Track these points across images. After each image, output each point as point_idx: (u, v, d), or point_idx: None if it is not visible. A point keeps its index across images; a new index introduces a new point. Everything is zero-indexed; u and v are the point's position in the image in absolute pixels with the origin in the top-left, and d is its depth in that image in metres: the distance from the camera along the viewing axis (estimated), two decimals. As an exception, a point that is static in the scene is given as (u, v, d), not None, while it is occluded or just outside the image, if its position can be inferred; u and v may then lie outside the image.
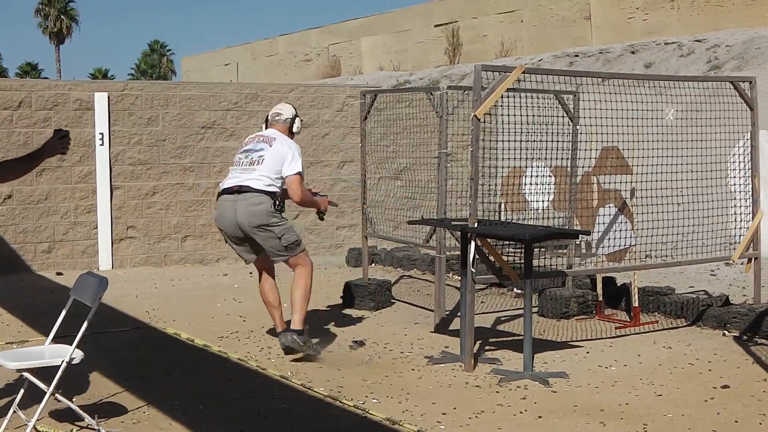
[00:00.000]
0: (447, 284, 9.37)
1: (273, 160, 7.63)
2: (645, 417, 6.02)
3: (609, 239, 8.60)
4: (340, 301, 9.97)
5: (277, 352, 7.85)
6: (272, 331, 8.51)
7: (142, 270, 12.61)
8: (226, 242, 8.00)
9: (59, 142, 5.79)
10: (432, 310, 9.16)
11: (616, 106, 8.21)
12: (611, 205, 8.65)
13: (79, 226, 12.60)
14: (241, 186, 7.60)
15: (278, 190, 7.64)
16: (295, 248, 7.70)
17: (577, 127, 9.00)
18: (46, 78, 68.72)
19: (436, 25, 24.46)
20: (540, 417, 6.06)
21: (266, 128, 8.03)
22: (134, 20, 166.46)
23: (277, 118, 7.96)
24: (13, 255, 12.24)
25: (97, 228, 12.67)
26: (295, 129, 7.98)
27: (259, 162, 7.65)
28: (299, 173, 7.68)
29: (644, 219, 8.69)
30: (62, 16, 74.36)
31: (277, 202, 7.64)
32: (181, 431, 5.81)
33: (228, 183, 7.74)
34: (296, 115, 8.01)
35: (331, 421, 6.00)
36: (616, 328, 8.81)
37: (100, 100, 12.63)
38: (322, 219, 8.47)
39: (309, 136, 13.97)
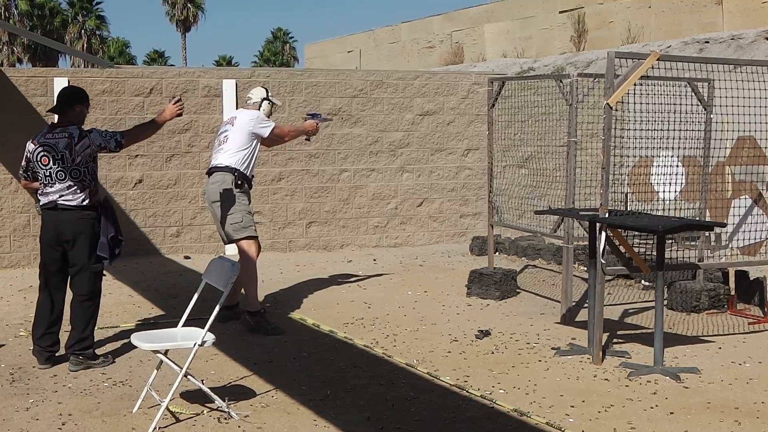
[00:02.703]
0: (573, 275, 9.24)
1: (235, 133, 8.32)
2: (782, 416, 5.83)
3: (743, 231, 8.35)
4: (465, 289, 9.92)
5: (402, 339, 7.86)
6: (397, 319, 8.53)
7: (268, 255, 12.75)
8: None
9: (174, 107, 7.05)
10: (558, 301, 9.05)
11: (750, 94, 7.96)
12: (746, 196, 8.40)
13: (207, 211, 12.79)
14: (210, 168, 8.40)
15: (244, 163, 8.26)
16: (239, 230, 8.19)
17: (711, 115, 8.75)
18: (172, 65, 70.22)
19: (561, 12, 24.10)
20: (672, 413, 5.92)
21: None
22: (258, 8, 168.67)
23: (246, 101, 8.69)
24: (143, 238, 12.53)
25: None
26: (262, 112, 8.54)
27: (224, 141, 8.37)
28: (274, 127, 8.43)
29: (781, 211, 8.41)
30: (189, 4, 75.70)
31: (238, 180, 8.21)
32: (308, 416, 5.85)
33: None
34: (266, 98, 8.61)
35: (458, 411, 5.97)
36: (749, 323, 8.56)
37: (228, 86, 12.82)
38: (308, 140, 9.20)
39: (434, 123, 13.94)
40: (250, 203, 8.44)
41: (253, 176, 8.51)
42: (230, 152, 8.30)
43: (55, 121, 7.07)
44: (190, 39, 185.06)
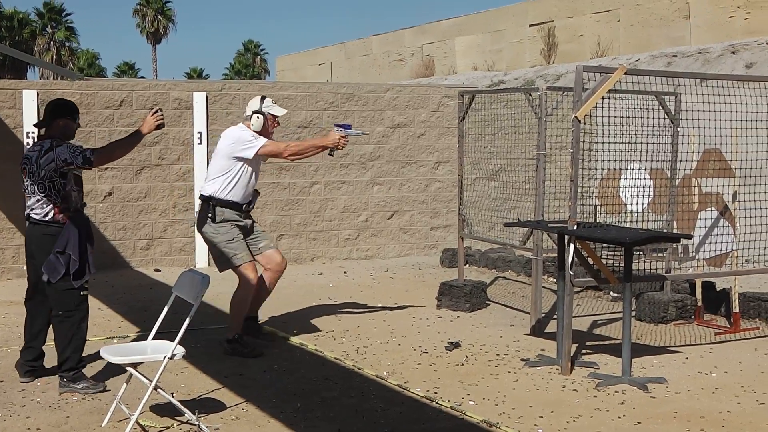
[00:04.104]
0: (543, 286, 9.30)
1: (215, 158, 7.87)
2: (747, 426, 5.90)
3: (709, 243, 8.45)
4: (436, 302, 9.96)
5: (373, 351, 7.89)
6: (367, 331, 8.56)
7: (238, 267, 12.74)
8: None
9: (153, 118, 6.85)
10: (527, 312, 9.11)
11: (717, 107, 8.06)
12: (712, 208, 8.49)
13: (177, 224, 12.81)
14: (200, 194, 8.01)
15: (224, 189, 7.73)
16: (225, 263, 7.82)
17: (678, 129, 8.86)
18: (143, 77, 70.06)
19: (531, 25, 24.25)
20: (639, 423, 5.98)
21: None
22: (229, 20, 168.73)
23: (244, 114, 8.05)
24: (113, 251, 12.49)
25: (194, 226, 12.84)
26: (252, 127, 7.87)
27: (211, 164, 8.00)
28: (261, 146, 7.73)
29: (746, 223, 8.51)
30: (159, 16, 75.65)
31: (209, 213, 7.76)
32: (279, 429, 5.86)
33: None
34: (257, 111, 7.85)
35: (428, 423, 5.99)
36: (715, 333, 8.65)
37: (199, 99, 12.82)
38: (331, 155, 8.15)
39: (405, 136, 14.00)
40: (239, 227, 7.82)
41: (246, 202, 7.84)
42: (209, 178, 7.85)
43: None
44: (161, 51, 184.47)
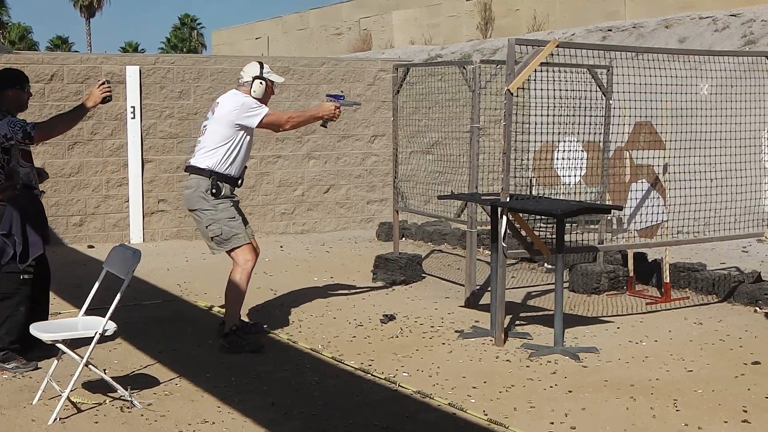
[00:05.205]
0: (478, 259, 9.36)
1: (215, 125, 7.15)
2: (675, 392, 6.00)
3: (641, 215, 8.56)
4: (371, 275, 9.98)
5: (308, 325, 7.89)
6: (303, 305, 8.56)
7: (174, 243, 12.67)
8: None
9: (99, 90, 6.49)
10: (462, 285, 9.16)
11: (649, 81, 8.15)
12: (644, 180, 8.60)
13: (111, 200, 12.67)
14: (186, 166, 7.29)
15: (224, 162, 7.09)
16: (223, 243, 7.14)
17: (610, 101, 8.94)
18: (77, 52, 68.98)
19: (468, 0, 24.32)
20: (570, 391, 6.06)
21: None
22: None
23: (239, 80, 7.34)
24: (46, 227, 12.31)
25: (128, 201, 12.73)
26: (253, 93, 7.22)
27: (203, 134, 7.25)
28: (265, 114, 7.15)
29: (677, 195, 8.63)
30: (93, -11, 74.48)
31: (213, 188, 7.08)
32: (213, 403, 5.85)
33: None
34: (259, 77, 7.21)
35: (362, 395, 6.02)
36: (647, 303, 8.78)
37: (132, 73, 12.66)
38: (324, 126, 7.61)
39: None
40: (234, 203, 7.25)
41: (240, 176, 7.28)
42: (207, 149, 7.11)
43: None
44: (95, 25, 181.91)
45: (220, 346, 7.12)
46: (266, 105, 7.29)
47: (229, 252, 7.19)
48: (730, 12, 18.05)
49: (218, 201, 7.09)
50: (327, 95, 7.66)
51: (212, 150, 7.10)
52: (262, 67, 7.26)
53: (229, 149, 7.10)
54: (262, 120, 7.13)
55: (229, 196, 7.17)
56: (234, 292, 7.19)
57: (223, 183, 7.11)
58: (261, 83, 7.20)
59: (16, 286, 6.53)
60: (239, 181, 7.27)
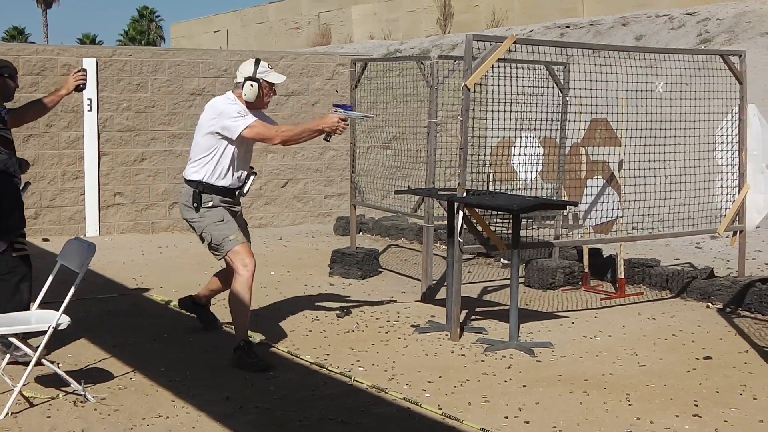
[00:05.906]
0: (435, 254, 9.39)
1: (197, 135, 6.70)
2: (628, 387, 6.07)
3: (596, 211, 8.63)
4: (328, 269, 9.98)
5: (264, 319, 7.88)
6: (258, 299, 8.53)
7: (130, 237, 12.59)
8: None
9: (74, 78, 6.63)
10: (419, 280, 9.19)
11: (606, 78, 8.21)
12: (599, 176, 8.67)
13: (67, 192, 12.56)
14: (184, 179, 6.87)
15: (212, 172, 6.61)
16: (219, 249, 6.66)
17: (567, 98, 9.00)
18: (33, 42, 68.23)
19: (427, -5, 24.35)
20: (524, 386, 6.10)
21: None
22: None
23: (234, 81, 6.82)
24: None
25: (84, 194, 12.63)
26: (244, 97, 6.64)
27: (193, 144, 6.81)
28: (248, 126, 6.50)
29: (632, 191, 8.72)
30: (50, -20, 73.76)
31: (195, 201, 6.64)
32: (167, 397, 5.82)
33: None
34: (251, 78, 6.59)
35: (317, 389, 6.02)
36: (601, 299, 8.85)
37: (89, 65, 12.54)
38: (328, 140, 6.77)
39: (299, 104, 13.94)
40: (230, 212, 6.79)
41: (238, 186, 6.80)
42: (192, 160, 6.68)
43: None
44: (52, 16, 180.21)
45: (235, 361, 6.54)
46: (264, 108, 6.83)
47: (226, 259, 6.72)
48: (686, 10, 18.23)
49: (205, 209, 6.66)
50: (333, 105, 6.71)
51: (197, 161, 6.65)
52: (256, 66, 6.65)
53: (214, 160, 6.60)
54: (242, 132, 6.48)
55: (219, 206, 6.70)
56: (237, 306, 6.58)
57: (210, 194, 6.65)
58: (252, 85, 6.59)
59: (11, 265, 6.44)
60: (236, 192, 6.81)
